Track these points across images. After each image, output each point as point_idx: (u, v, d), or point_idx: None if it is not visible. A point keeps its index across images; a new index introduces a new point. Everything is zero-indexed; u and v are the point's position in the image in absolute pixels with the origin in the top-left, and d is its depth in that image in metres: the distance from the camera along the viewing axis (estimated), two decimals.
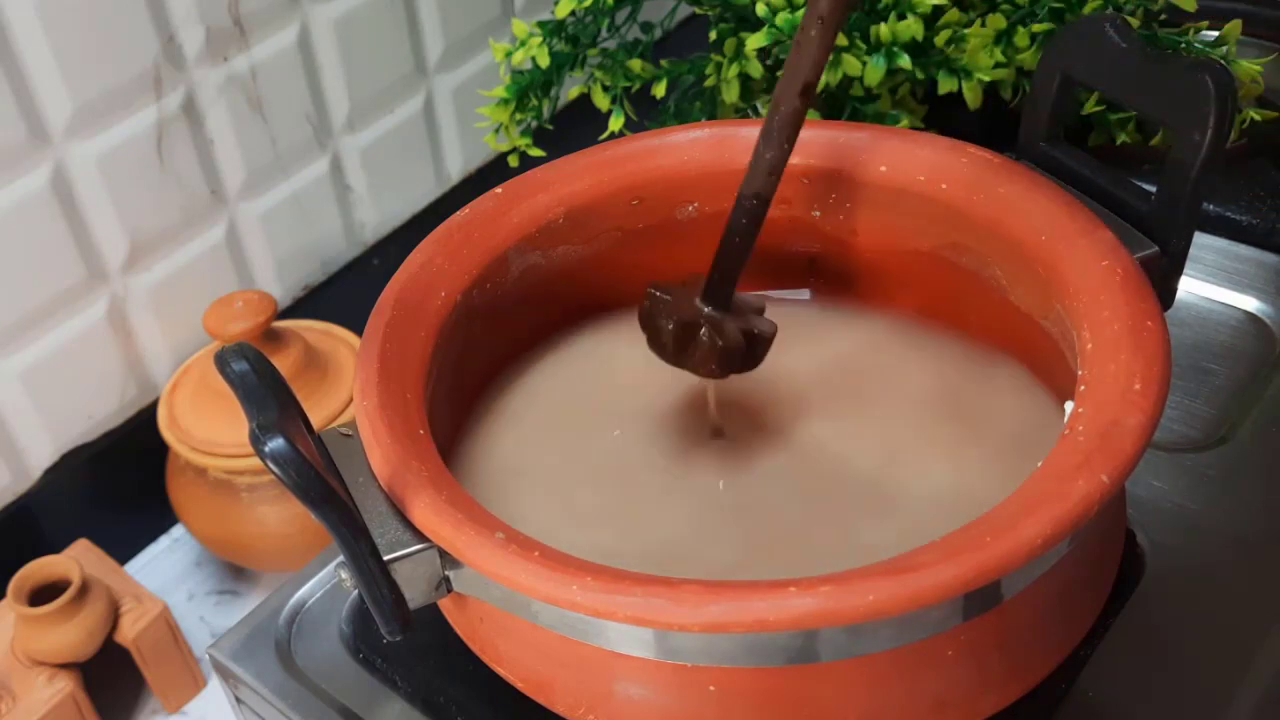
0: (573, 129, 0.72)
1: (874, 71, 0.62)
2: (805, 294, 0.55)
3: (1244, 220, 0.65)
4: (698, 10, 0.71)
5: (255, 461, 0.79)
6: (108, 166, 0.85)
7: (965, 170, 0.49)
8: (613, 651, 0.39)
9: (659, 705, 0.40)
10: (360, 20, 0.98)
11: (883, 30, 0.62)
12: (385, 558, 0.39)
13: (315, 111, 0.98)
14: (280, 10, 0.92)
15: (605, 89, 0.68)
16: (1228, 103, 0.42)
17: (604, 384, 0.52)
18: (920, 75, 0.64)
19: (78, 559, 0.84)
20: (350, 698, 0.49)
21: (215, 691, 0.91)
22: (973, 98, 0.63)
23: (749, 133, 0.52)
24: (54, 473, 0.91)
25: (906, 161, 0.50)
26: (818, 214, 0.53)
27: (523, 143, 0.69)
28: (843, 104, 0.67)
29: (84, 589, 0.82)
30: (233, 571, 0.99)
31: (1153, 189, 0.46)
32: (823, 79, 0.63)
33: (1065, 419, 0.40)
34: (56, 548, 0.89)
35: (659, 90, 0.69)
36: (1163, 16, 0.65)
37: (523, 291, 0.52)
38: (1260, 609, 0.48)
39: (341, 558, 0.39)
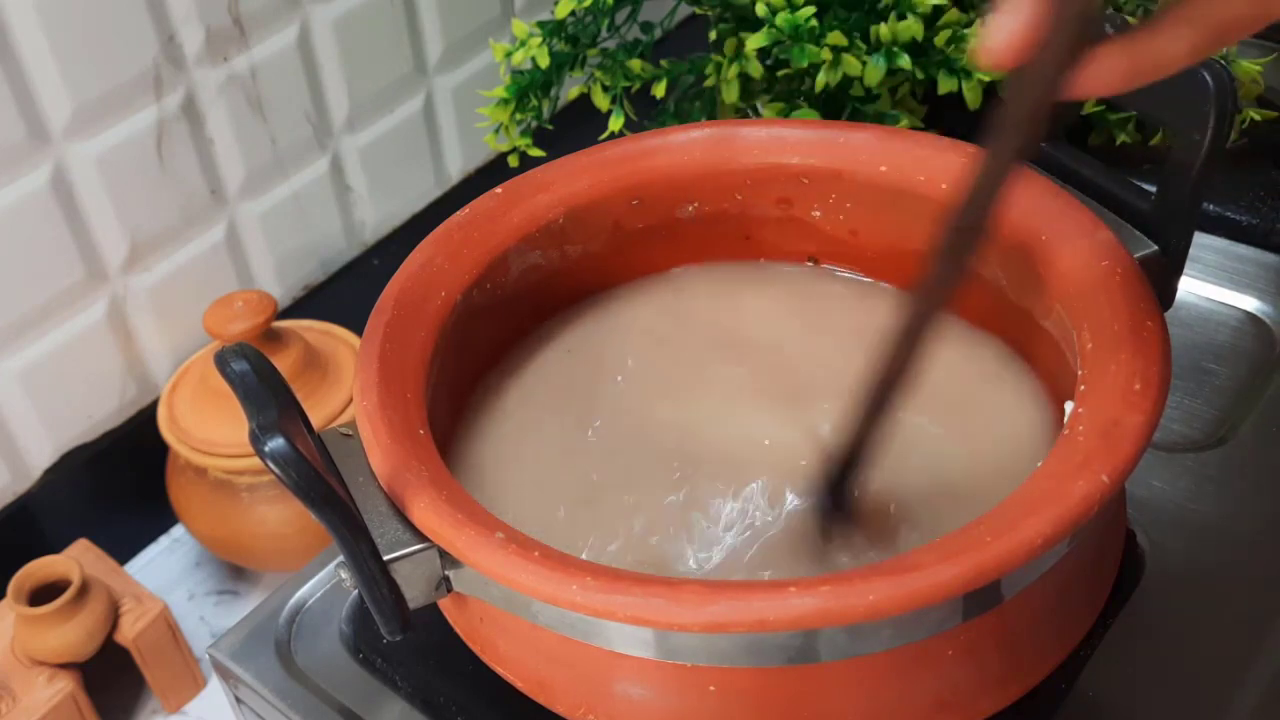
0: (573, 129, 0.72)
1: (874, 71, 0.62)
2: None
3: (1244, 220, 0.65)
4: (698, 10, 0.71)
5: (255, 461, 0.79)
6: (108, 166, 0.85)
7: (965, 170, 0.49)
8: (613, 651, 0.39)
9: (659, 705, 0.40)
10: (360, 20, 0.98)
11: (883, 30, 0.62)
12: (385, 558, 0.39)
13: (315, 111, 0.98)
14: (280, 10, 0.92)
15: (605, 89, 0.68)
16: (1227, 102, 0.42)
17: (604, 381, 0.52)
18: (920, 75, 0.64)
19: (78, 559, 0.84)
20: (350, 698, 0.49)
21: (215, 691, 0.91)
22: (973, 98, 0.63)
23: (749, 133, 0.53)
24: (54, 473, 0.91)
25: (906, 161, 0.50)
26: (818, 214, 0.53)
27: (523, 143, 0.69)
28: (843, 104, 0.67)
29: (84, 589, 0.82)
30: (233, 571, 0.99)
31: (1153, 189, 0.46)
32: (822, 79, 0.63)
33: (1065, 419, 0.40)
34: (56, 548, 0.89)
35: (659, 90, 0.69)
36: None
37: (523, 291, 0.52)
38: (1260, 609, 0.48)
39: (341, 558, 0.39)
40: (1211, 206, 0.65)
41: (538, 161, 0.56)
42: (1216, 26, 0.34)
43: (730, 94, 0.67)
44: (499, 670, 0.44)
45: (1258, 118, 0.67)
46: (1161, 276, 0.46)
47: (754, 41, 0.63)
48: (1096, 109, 0.67)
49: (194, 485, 0.91)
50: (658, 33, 0.71)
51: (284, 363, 0.88)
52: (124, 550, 0.98)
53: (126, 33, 0.83)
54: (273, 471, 0.35)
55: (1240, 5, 0.34)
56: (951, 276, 0.38)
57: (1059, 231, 0.45)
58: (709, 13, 0.70)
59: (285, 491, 0.36)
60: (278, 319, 0.91)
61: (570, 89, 0.71)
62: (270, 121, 0.95)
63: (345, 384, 0.92)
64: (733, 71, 0.66)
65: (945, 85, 0.64)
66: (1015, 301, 0.48)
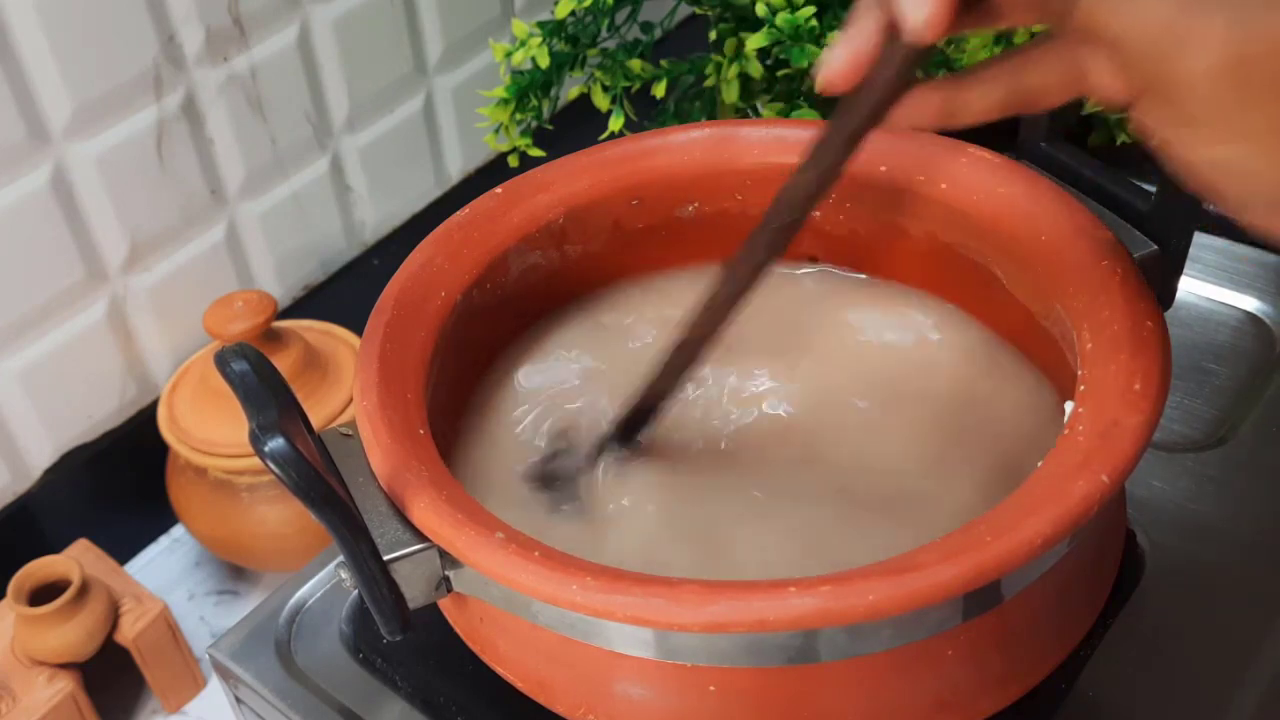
0: (573, 129, 0.72)
1: None
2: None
3: None
4: (698, 10, 0.71)
5: (255, 461, 0.78)
6: (108, 166, 0.85)
7: (965, 170, 0.49)
8: (613, 651, 0.39)
9: (659, 705, 0.40)
10: (360, 20, 0.98)
11: None
12: (385, 558, 0.39)
13: (315, 111, 0.98)
14: (280, 10, 0.92)
15: (605, 89, 0.68)
16: None
17: (603, 377, 0.52)
18: (920, 75, 0.64)
19: (78, 559, 0.84)
20: (350, 698, 0.49)
21: (215, 691, 0.91)
22: None
23: (749, 133, 0.53)
24: (54, 473, 0.91)
25: (907, 161, 0.50)
26: (818, 214, 0.53)
27: (523, 143, 0.69)
28: None
29: (84, 589, 0.82)
30: (233, 571, 0.99)
31: (1153, 189, 0.46)
32: None
33: (1065, 419, 0.40)
34: (56, 548, 0.89)
35: (659, 90, 0.69)
36: None
37: (523, 291, 0.52)
38: (1260, 609, 0.48)
39: (341, 558, 0.39)
40: (1211, 206, 0.65)
41: (538, 161, 0.56)
42: (1024, 92, 0.36)
43: (730, 94, 0.67)
44: (499, 670, 0.44)
45: None
46: (1161, 276, 0.46)
47: (754, 41, 0.63)
48: (1096, 109, 0.67)
49: (194, 485, 0.91)
50: (658, 33, 0.71)
51: (284, 363, 0.88)
52: (124, 550, 0.98)
53: (126, 33, 0.83)
54: (273, 471, 0.35)
55: (1050, 78, 0.35)
56: (759, 264, 0.42)
57: (1059, 231, 0.45)
58: (709, 13, 0.70)
59: (285, 491, 0.36)
60: (278, 319, 0.91)
61: (570, 89, 0.71)
62: (270, 121, 0.95)
63: (345, 384, 0.92)
64: (733, 71, 0.66)
65: None
66: (1015, 301, 0.48)
